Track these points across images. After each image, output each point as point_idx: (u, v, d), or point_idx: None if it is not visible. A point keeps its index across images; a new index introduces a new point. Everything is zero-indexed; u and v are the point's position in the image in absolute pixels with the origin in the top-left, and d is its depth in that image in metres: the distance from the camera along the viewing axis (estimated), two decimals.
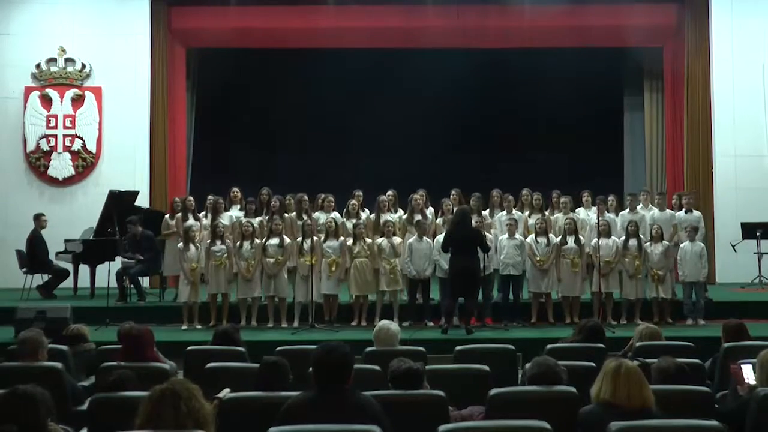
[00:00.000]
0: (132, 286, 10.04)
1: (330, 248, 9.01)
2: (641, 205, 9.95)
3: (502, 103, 13.49)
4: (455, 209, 9.12)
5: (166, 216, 10.13)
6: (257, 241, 9.05)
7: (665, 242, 9.18)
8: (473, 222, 8.73)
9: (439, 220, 9.50)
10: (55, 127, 12.08)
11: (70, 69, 12.16)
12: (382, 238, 9.10)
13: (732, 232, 11.34)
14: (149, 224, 10.18)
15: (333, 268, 8.94)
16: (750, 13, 12.23)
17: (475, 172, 12.84)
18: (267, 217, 9.43)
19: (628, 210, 9.79)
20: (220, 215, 9.61)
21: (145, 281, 10.88)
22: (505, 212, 9.54)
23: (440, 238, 8.87)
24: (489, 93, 13.35)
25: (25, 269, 10.62)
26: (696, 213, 9.85)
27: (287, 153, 13.67)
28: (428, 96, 12.86)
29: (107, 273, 9.58)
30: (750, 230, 11.12)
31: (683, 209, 9.76)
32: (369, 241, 9.13)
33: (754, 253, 11.07)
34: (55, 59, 12.14)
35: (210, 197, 9.95)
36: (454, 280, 8.54)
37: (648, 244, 9.16)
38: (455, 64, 12.51)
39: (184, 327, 8.91)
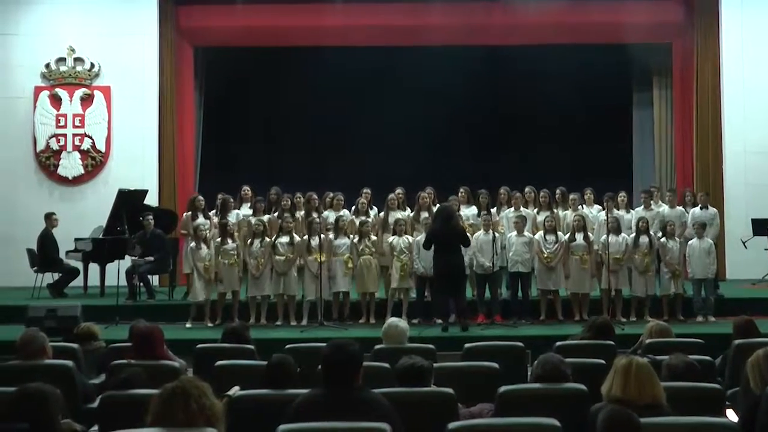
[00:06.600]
0: (142, 284, 10.07)
1: (345, 245, 9.02)
2: (659, 201, 9.88)
3: (510, 100, 13.43)
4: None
5: (185, 214, 10.15)
6: (267, 239, 9.06)
7: (677, 238, 9.15)
8: (480, 219, 8.70)
9: None
10: (65, 126, 12.13)
11: (79, 69, 12.20)
12: (394, 236, 9.10)
13: (742, 228, 11.29)
14: (158, 222, 10.20)
15: (349, 265, 8.95)
16: (760, 9, 12.15)
17: (482, 169, 12.78)
18: (276, 215, 9.44)
19: (642, 207, 9.72)
20: (229, 213, 9.63)
21: (155, 279, 10.91)
22: (512, 209, 9.53)
23: None
24: (495, 90, 13.30)
25: (35, 268, 10.66)
26: (712, 209, 9.80)
27: (294, 151, 13.66)
28: (435, 93, 12.80)
29: (117, 271, 9.61)
30: (760, 226, 11.06)
31: (698, 206, 9.70)
32: (374, 238, 9.14)
33: (765, 249, 11.00)
34: (65, 59, 12.19)
35: (220, 196, 9.95)
36: (440, 280, 8.53)
37: (663, 240, 9.12)
38: (461, 61, 12.48)
39: (188, 325, 8.89)
